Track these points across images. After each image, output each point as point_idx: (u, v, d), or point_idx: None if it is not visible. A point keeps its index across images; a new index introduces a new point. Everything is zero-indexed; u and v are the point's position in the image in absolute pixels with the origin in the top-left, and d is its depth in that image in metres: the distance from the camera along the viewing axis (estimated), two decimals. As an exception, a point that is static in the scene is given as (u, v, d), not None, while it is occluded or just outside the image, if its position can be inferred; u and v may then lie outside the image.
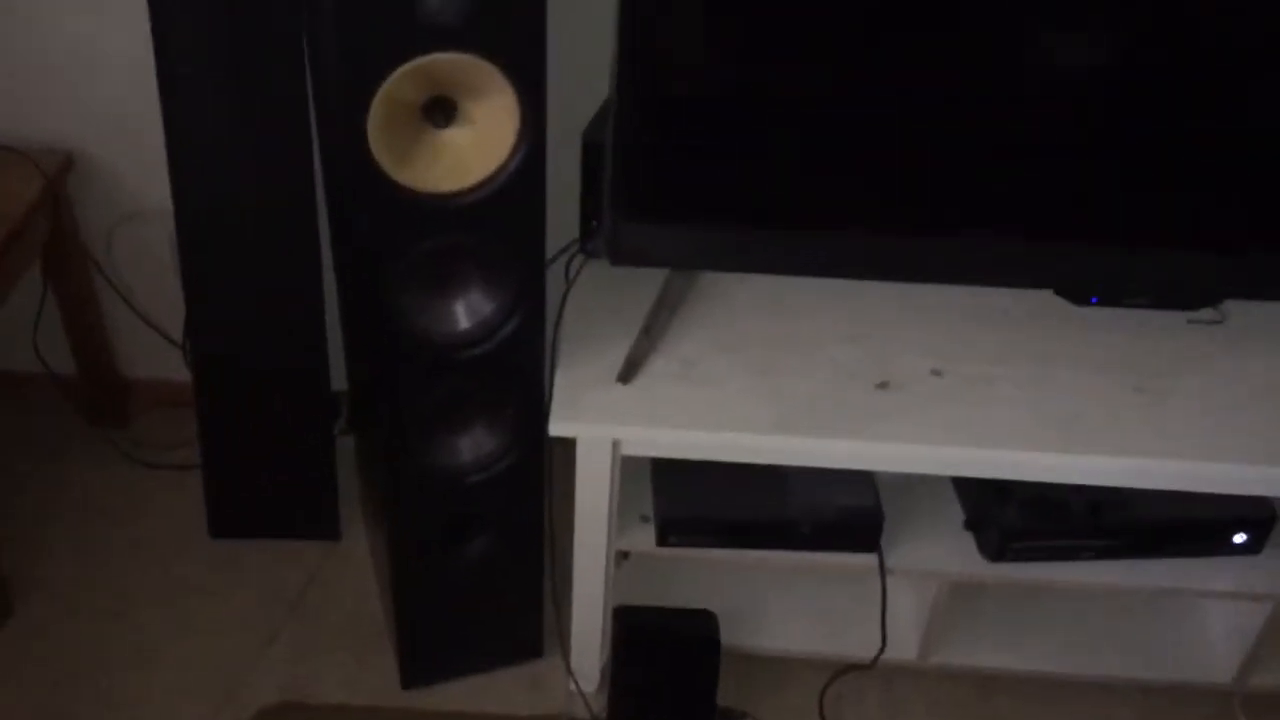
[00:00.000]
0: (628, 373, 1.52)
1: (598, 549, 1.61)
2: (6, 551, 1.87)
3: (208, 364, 1.86)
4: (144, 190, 1.95)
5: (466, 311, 1.42)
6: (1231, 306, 1.66)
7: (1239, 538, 1.64)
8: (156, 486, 2.05)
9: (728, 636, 1.75)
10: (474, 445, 1.54)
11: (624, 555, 1.74)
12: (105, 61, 1.83)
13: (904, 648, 1.77)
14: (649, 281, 1.64)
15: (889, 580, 1.67)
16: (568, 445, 1.51)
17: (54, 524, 1.98)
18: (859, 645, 1.76)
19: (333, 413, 1.95)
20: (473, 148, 1.30)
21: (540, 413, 1.49)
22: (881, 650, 1.74)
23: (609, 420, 1.47)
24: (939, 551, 1.66)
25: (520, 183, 1.32)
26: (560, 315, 1.60)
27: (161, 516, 2.01)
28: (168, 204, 1.73)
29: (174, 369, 2.07)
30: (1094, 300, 1.61)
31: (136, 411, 2.18)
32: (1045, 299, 1.61)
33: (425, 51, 1.20)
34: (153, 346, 2.11)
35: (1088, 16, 1.40)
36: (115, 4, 1.75)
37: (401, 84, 1.23)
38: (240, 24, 1.58)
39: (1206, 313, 1.65)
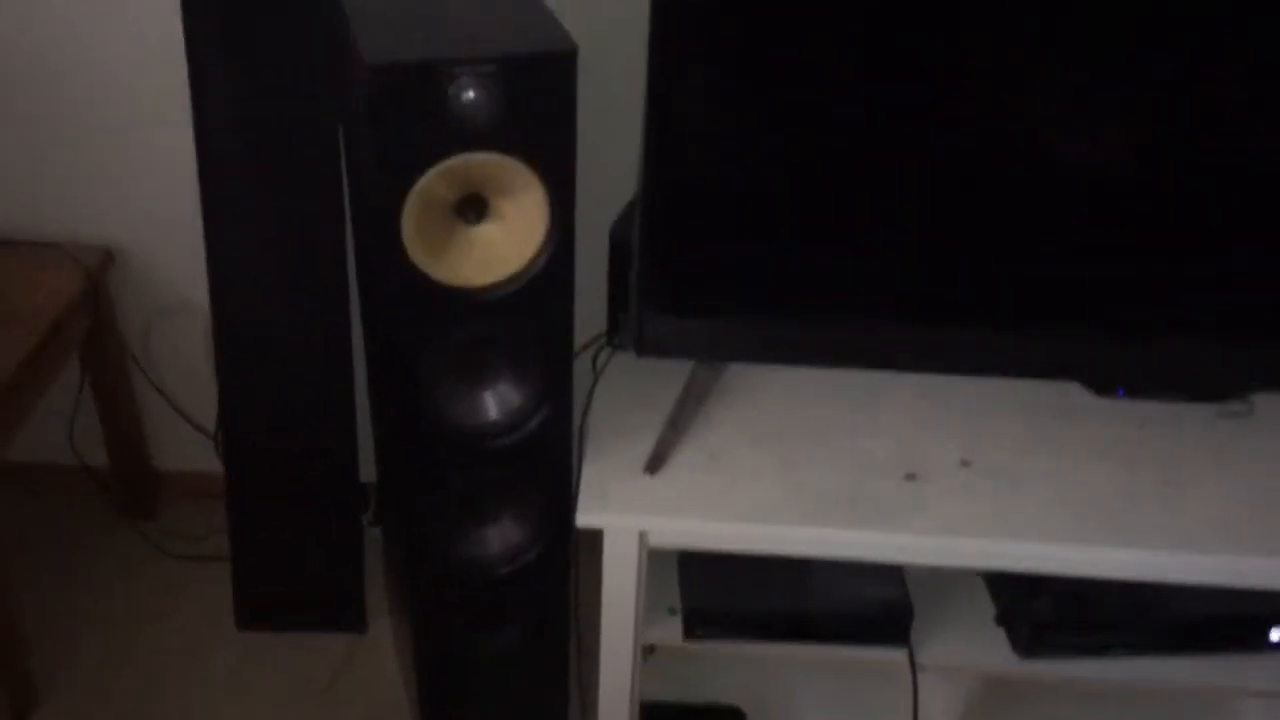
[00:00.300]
0: (655, 464, 1.52)
1: (624, 642, 1.60)
2: (33, 644, 1.87)
3: (239, 455, 1.89)
4: (180, 285, 2.00)
5: (496, 402, 1.44)
6: (1260, 399, 1.65)
7: (1276, 635, 1.61)
8: (185, 578, 2.06)
9: (757, 733, 1.73)
10: (501, 536, 1.54)
11: (650, 649, 1.73)
12: (145, 159, 1.89)
13: (936, 746, 1.74)
14: (675, 373, 1.65)
15: (920, 676, 1.64)
16: (594, 537, 1.51)
17: (81, 615, 1.99)
18: (890, 743, 1.73)
19: (362, 504, 1.96)
20: (503, 243, 1.33)
21: (568, 504, 1.50)
22: (913, 748, 1.70)
23: (636, 511, 1.47)
24: (970, 647, 1.63)
25: (549, 277, 1.35)
26: (588, 407, 1.62)
27: (189, 608, 2.01)
28: (203, 298, 1.78)
29: (203, 460, 2.10)
30: (1120, 392, 1.61)
31: (166, 503, 2.20)
32: (1072, 390, 1.61)
33: (458, 151, 1.24)
34: (184, 438, 2.14)
35: (1111, 111, 1.43)
36: (156, 103, 1.81)
37: (435, 183, 1.26)
38: (279, 126, 1.64)
39: (1235, 405, 1.65)
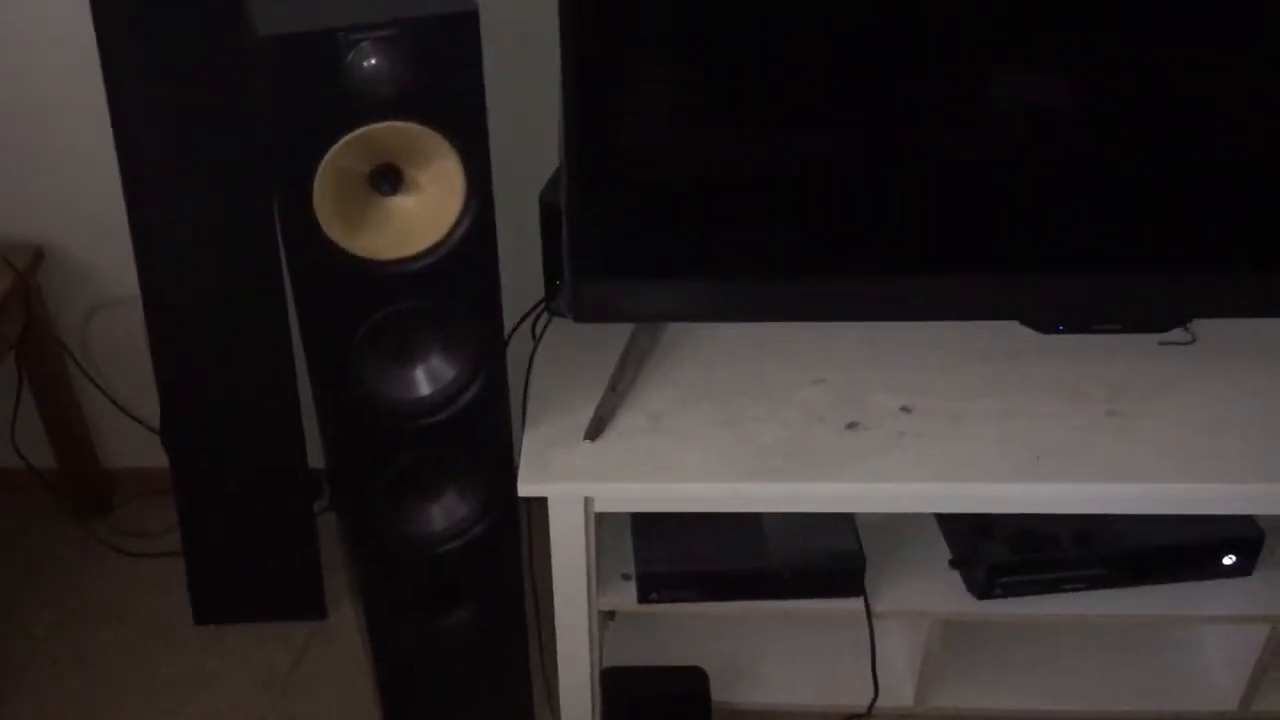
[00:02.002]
0: (595, 429, 1.51)
1: (579, 610, 1.59)
2: (-11, 651, 1.86)
3: (185, 449, 1.86)
4: (116, 280, 1.96)
5: (427, 378, 1.42)
6: (1202, 325, 1.65)
7: (1228, 559, 1.61)
8: (141, 576, 2.04)
9: (721, 692, 1.73)
10: (445, 512, 1.52)
11: (610, 615, 1.72)
12: (69, 155, 1.85)
13: (900, 695, 1.74)
14: (616, 336, 1.64)
15: (877, 624, 1.64)
16: (545, 506, 1.50)
17: (38, 619, 1.96)
18: (854, 694, 1.73)
19: (314, 491, 1.94)
20: (421, 213, 1.31)
21: (510, 476, 1.48)
22: (875, 698, 1.70)
23: (578, 478, 1.46)
24: (926, 592, 1.63)
25: (471, 246, 1.32)
26: (529, 375, 1.60)
27: (147, 606, 1.99)
28: (139, 292, 1.74)
29: (154, 456, 2.06)
30: (1060, 328, 1.60)
31: (120, 501, 2.17)
32: (1011, 329, 1.60)
33: (363, 123, 1.21)
34: (133, 435, 2.11)
35: (1042, 52, 1.41)
36: (79, 101, 1.77)
37: (343, 154, 1.23)
38: (200, 113, 1.60)
39: (1177, 333, 1.64)
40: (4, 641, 1.91)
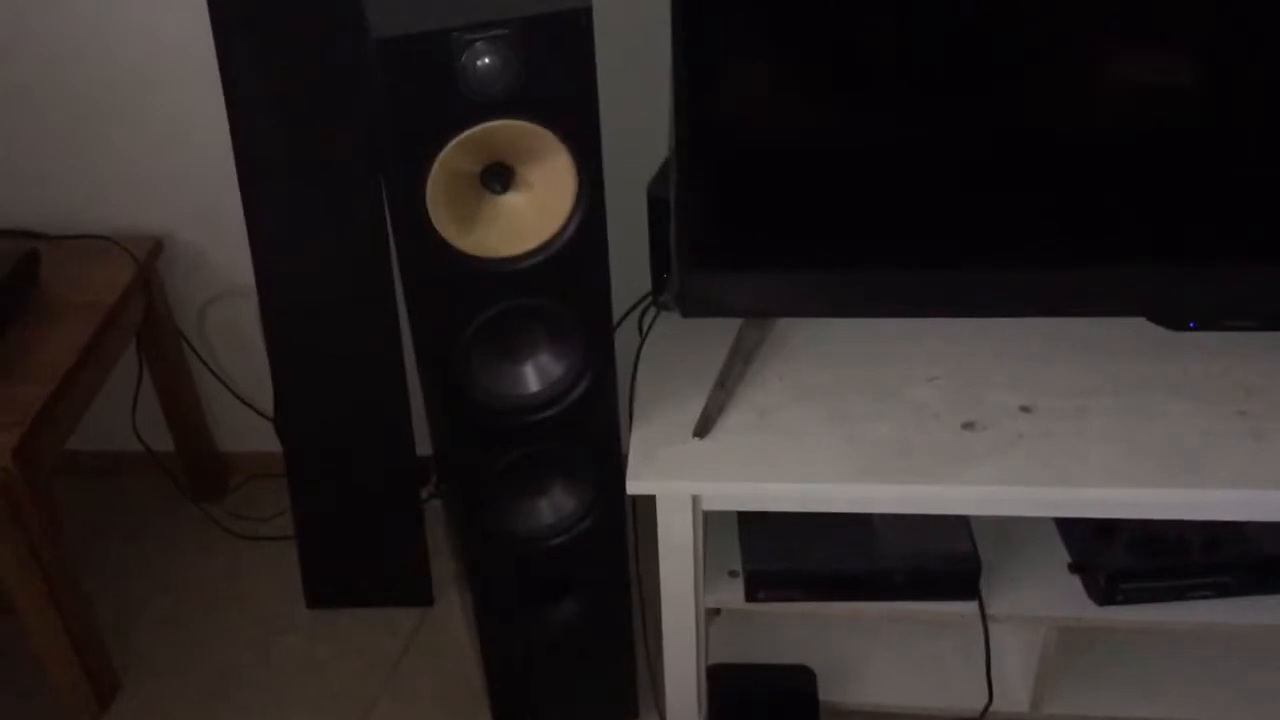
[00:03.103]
0: (704, 426, 1.49)
1: (686, 607, 1.58)
2: (109, 631, 1.91)
3: (297, 435, 1.89)
4: (231, 270, 2.00)
5: (536, 374, 1.42)
6: (1344, 322, 1.56)
7: (1370, 568, 1.54)
8: (255, 559, 2.09)
9: (829, 692, 1.70)
10: (554, 507, 1.53)
11: (716, 611, 1.71)
12: (187, 149, 1.89)
13: (1015, 699, 1.69)
14: (724, 331, 1.61)
15: (992, 628, 1.60)
16: (653, 502, 1.48)
17: (155, 601, 2.02)
18: (966, 698, 1.69)
19: (422, 479, 1.96)
20: (532, 211, 1.30)
21: (618, 471, 1.47)
22: (989, 703, 1.66)
23: (687, 476, 1.44)
24: (1044, 596, 1.58)
25: (581, 243, 1.31)
26: (635, 370, 1.59)
27: (260, 589, 2.04)
28: (254, 282, 1.78)
29: (268, 441, 2.11)
30: (1192, 325, 1.53)
31: (235, 484, 2.23)
32: (1138, 326, 1.53)
33: (477, 121, 1.20)
34: (248, 420, 2.15)
35: (1163, 28, 1.34)
36: (199, 99, 1.80)
37: (456, 154, 1.23)
38: (313, 107, 1.62)
39: (1316, 330, 1.56)
40: (122, 622, 1.97)
